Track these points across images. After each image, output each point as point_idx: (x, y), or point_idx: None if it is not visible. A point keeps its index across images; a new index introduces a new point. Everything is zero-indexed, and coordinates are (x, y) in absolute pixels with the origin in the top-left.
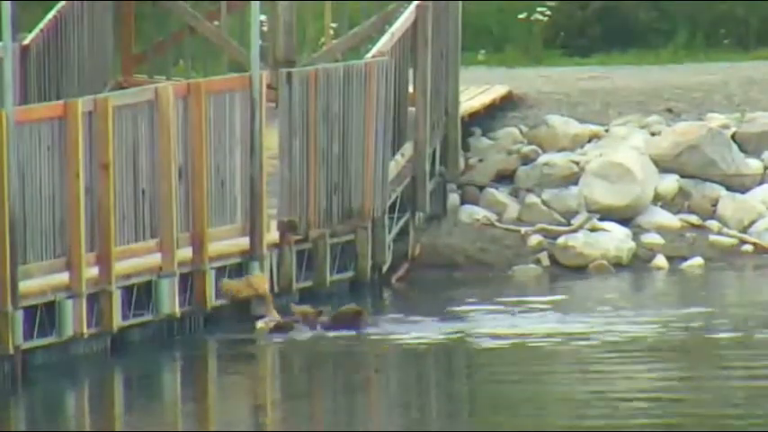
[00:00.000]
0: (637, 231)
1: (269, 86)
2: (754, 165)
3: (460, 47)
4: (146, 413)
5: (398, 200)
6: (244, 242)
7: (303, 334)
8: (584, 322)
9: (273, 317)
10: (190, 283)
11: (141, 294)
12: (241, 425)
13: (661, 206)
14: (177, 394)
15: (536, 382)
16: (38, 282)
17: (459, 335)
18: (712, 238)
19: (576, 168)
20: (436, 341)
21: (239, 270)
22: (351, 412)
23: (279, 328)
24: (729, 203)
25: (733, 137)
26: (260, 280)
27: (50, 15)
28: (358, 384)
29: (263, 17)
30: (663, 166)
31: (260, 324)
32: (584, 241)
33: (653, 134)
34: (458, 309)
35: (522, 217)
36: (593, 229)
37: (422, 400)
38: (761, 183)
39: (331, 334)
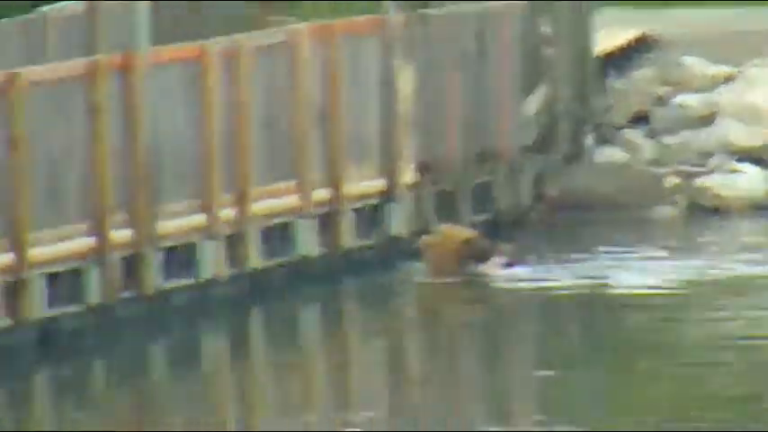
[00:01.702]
0: None
1: (405, 25)
2: None
3: None
4: (284, 355)
5: (535, 141)
6: (381, 183)
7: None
8: (722, 267)
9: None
10: (327, 224)
11: (279, 236)
12: (379, 371)
13: None
14: (316, 336)
15: (673, 327)
16: (176, 223)
17: (597, 279)
18: None
19: (711, 109)
20: (574, 285)
21: (376, 211)
22: (491, 366)
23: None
24: None
25: None
26: (452, 230)
27: None
28: (498, 332)
29: None
30: None
31: (496, 260)
32: (720, 183)
33: None
34: (596, 251)
35: (658, 158)
36: (729, 171)
37: (561, 346)
38: None
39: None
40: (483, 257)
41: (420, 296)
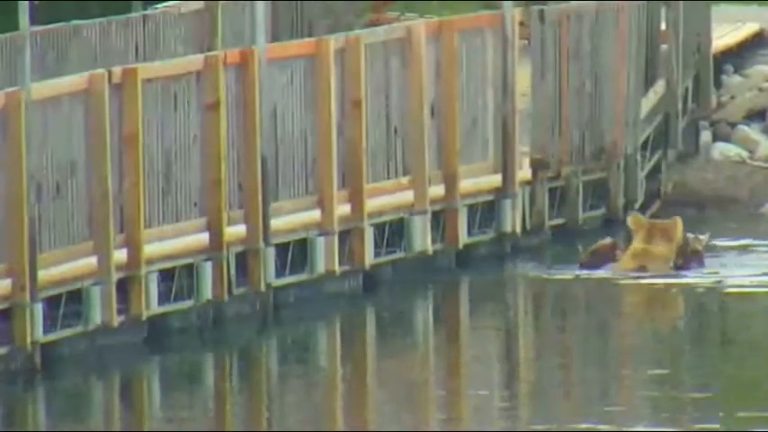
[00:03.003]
0: None
1: (521, 23)
2: None
3: None
4: (396, 351)
5: (650, 137)
6: (496, 179)
7: (558, 274)
8: None
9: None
10: (442, 220)
11: (393, 232)
12: (491, 367)
13: None
14: (429, 332)
15: None
16: (289, 219)
17: (713, 275)
18: None
19: None
20: (689, 282)
21: (491, 208)
22: (601, 362)
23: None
24: None
25: None
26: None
27: None
28: (610, 328)
29: None
30: None
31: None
32: None
33: None
34: (712, 247)
35: None
36: None
37: (671, 344)
38: None
39: (585, 273)
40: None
41: (532, 293)
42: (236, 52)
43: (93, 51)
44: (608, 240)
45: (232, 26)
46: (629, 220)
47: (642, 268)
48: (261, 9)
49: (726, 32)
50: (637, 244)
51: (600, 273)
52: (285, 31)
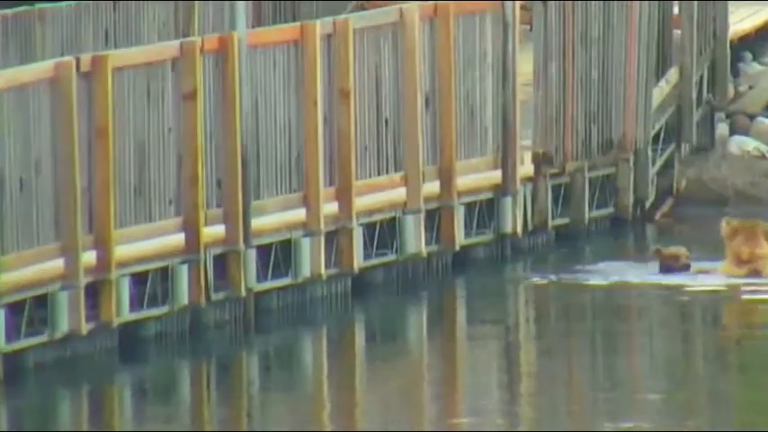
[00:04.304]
0: None
1: (523, 7)
2: None
3: None
4: (386, 361)
5: (662, 130)
6: (495, 176)
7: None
8: None
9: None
10: (437, 220)
11: (384, 232)
12: (487, 377)
13: None
14: (422, 341)
15: None
16: (272, 219)
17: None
18: None
19: None
20: (704, 285)
21: (490, 206)
22: (610, 371)
23: None
24: None
25: None
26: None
27: None
28: (617, 336)
29: None
30: None
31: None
32: None
33: None
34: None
35: None
36: None
37: (687, 352)
38: None
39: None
40: None
41: (533, 298)
42: (214, 38)
43: (60, 37)
44: (681, 249)
45: (213, 11)
46: (723, 227)
47: (753, 272)
48: None
49: (744, 17)
50: (740, 247)
51: (672, 279)
52: (268, 22)
